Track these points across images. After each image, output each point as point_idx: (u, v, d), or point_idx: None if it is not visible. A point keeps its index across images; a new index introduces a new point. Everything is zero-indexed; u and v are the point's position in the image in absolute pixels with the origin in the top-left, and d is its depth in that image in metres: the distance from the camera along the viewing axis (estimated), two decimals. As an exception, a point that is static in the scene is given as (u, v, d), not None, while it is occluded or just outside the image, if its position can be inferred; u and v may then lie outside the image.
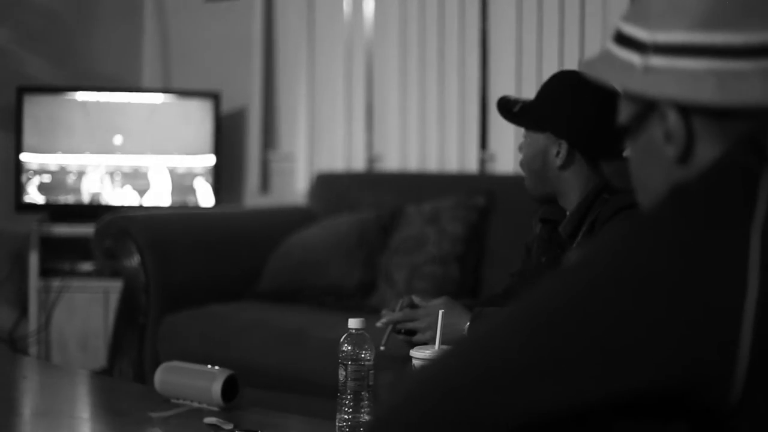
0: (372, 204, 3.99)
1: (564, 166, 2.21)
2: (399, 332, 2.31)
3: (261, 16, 4.76)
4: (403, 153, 4.33)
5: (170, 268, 3.73)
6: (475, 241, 3.70)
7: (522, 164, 2.28)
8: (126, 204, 4.43)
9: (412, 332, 2.29)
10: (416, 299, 2.35)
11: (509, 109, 2.28)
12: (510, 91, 3.97)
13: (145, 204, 4.46)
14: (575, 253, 2.13)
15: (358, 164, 4.47)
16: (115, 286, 4.01)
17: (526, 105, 2.26)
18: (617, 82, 1.15)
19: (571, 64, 3.83)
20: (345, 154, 4.50)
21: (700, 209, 1.02)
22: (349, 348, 2.04)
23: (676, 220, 1.03)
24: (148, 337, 3.65)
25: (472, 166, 4.16)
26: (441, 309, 2.12)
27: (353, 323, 2.06)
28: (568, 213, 2.23)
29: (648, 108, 1.13)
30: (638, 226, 1.05)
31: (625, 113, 1.18)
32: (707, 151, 1.10)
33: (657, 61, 1.11)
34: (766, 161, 1.04)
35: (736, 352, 0.97)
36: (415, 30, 4.27)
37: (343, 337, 2.05)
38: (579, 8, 3.86)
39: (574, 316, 1.01)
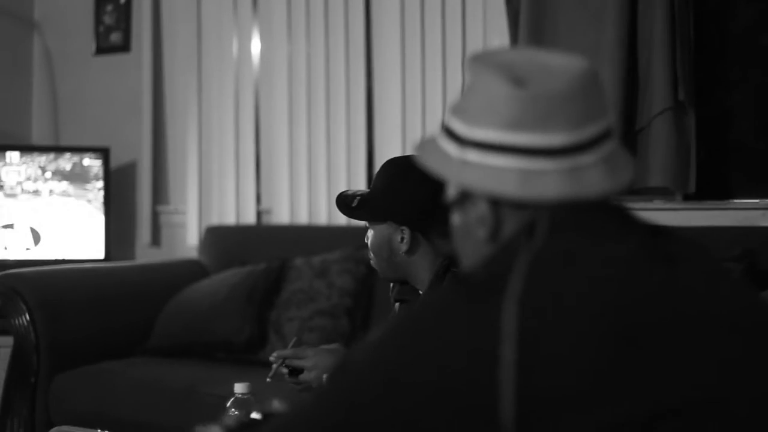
0: (262, 257, 4.02)
1: (410, 251, 2.25)
2: (287, 369, 2.34)
3: (150, 70, 4.78)
4: (293, 206, 4.39)
5: (61, 325, 3.71)
6: (364, 293, 3.76)
7: (369, 254, 2.33)
8: (14, 258, 4.40)
9: (298, 371, 2.33)
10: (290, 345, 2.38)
11: (348, 204, 2.32)
12: (396, 145, 4.07)
13: (35, 258, 4.43)
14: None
15: (249, 218, 4.52)
16: (6, 344, 3.97)
17: (364, 197, 2.31)
18: (438, 169, 1.27)
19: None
20: (235, 208, 4.54)
21: (469, 285, 1.17)
22: (236, 413, 2.09)
23: (450, 297, 1.20)
24: (40, 397, 3.62)
25: (360, 218, 4.22)
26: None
27: (239, 388, 2.11)
28: (420, 292, 2.29)
29: (465, 194, 1.27)
30: (425, 304, 1.26)
31: (449, 193, 1.31)
32: (512, 231, 1.23)
33: (472, 155, 1.23)
34: (530, 240, 1.18)
35: (496, 411, 1.09)
36: (303, 87, 4.34)
37: (230, 401, 2.10)
38: (461, 66, 3.98)
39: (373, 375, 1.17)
